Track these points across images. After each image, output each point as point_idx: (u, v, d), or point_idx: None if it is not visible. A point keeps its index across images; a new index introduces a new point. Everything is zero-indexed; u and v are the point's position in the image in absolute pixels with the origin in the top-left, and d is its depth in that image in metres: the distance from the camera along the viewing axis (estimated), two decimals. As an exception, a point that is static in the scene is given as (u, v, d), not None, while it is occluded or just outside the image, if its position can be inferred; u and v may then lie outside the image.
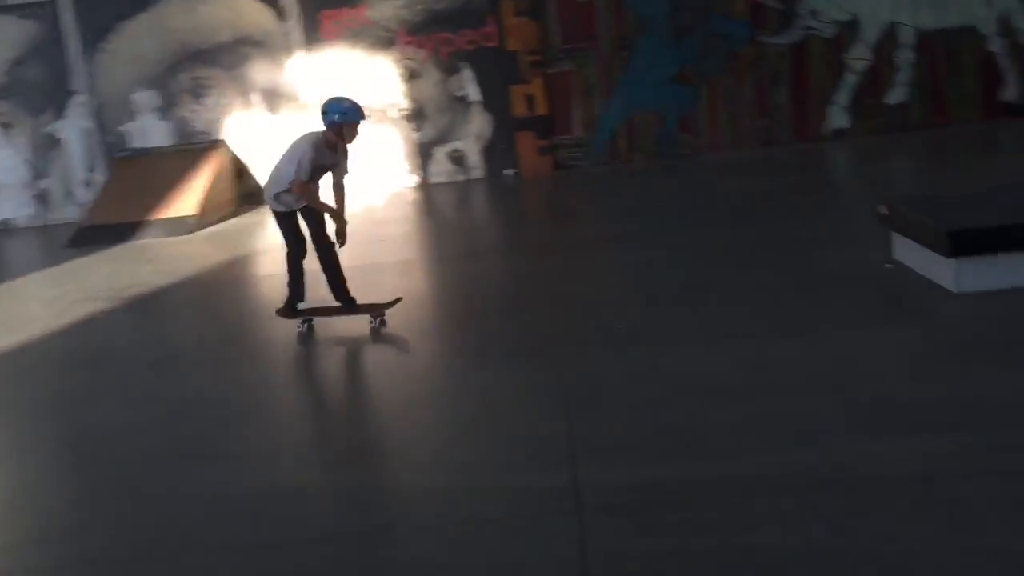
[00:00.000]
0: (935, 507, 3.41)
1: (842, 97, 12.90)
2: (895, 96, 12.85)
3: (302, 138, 6.29)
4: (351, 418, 5.29)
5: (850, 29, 12.73)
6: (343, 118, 6.12)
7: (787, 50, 12.83)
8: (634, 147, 13.24)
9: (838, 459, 3.87)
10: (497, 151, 13.37)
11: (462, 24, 13.07)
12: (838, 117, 12.94)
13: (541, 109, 13.12)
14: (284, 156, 6.33)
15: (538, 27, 12.97)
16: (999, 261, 5.67)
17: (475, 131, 13.41)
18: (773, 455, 3.98)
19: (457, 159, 13.54)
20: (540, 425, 4.60)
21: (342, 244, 6.44)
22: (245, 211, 12.63)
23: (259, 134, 13.32)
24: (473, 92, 13.26)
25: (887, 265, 6.55)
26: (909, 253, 6.40)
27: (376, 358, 6.35)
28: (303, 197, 6.22)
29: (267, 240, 11.00)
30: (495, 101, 13.21)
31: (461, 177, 13.53)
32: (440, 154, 13.55)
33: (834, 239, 7.54)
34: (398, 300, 6.63)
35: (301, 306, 6.60)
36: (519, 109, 13.15)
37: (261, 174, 13.55)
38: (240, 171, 13.22)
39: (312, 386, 6.10)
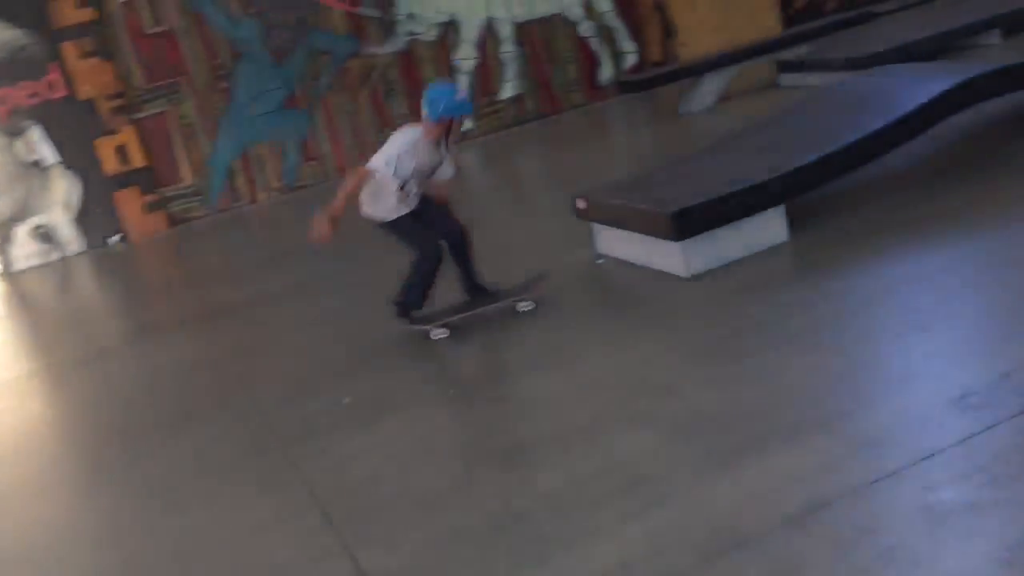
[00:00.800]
0: (857, 545, 2.81)
1: (458, 99, 12.60)
2: (507, 91, 12.82)
3: (400, 133, 5.14)
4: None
5: (451, 30, 12.46)
6: (455, 112, 5.02)
7: (395, 59, 12.25)
8: (256, 185, 11.91)
9: (708, 511, 3.16)
10: (94, 217, 11.32)
11: (16, 76, 10.80)
12: (459, 120, 12.63)
13: (139, 160, 11.29)
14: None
15: (114, 68, 11.13)
16: (720, 235, 5.40)
17: (61, 199, 11.23)
18: (629, 526, 3.18)
19: (45, 236, 11.27)
20: (317, 568, 3.40)
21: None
22: None
23: None
24: (48, 153, 11.08)
25: (598, 262, 6.10)
26: (619, 244, 5.98)
27: (43, 508, 4.60)
28: (342, 195, 4.99)
29: None
30: (79, 160, 11.15)
31: (55, 256, 11.29)
32: (21, 233, 11.20)
33: (530, 244, 6.97)
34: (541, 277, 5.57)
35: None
36: (111, 165, 11.22)
37: None
38: None
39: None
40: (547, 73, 12.94)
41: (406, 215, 5.19)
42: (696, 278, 5.35)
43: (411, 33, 12.29)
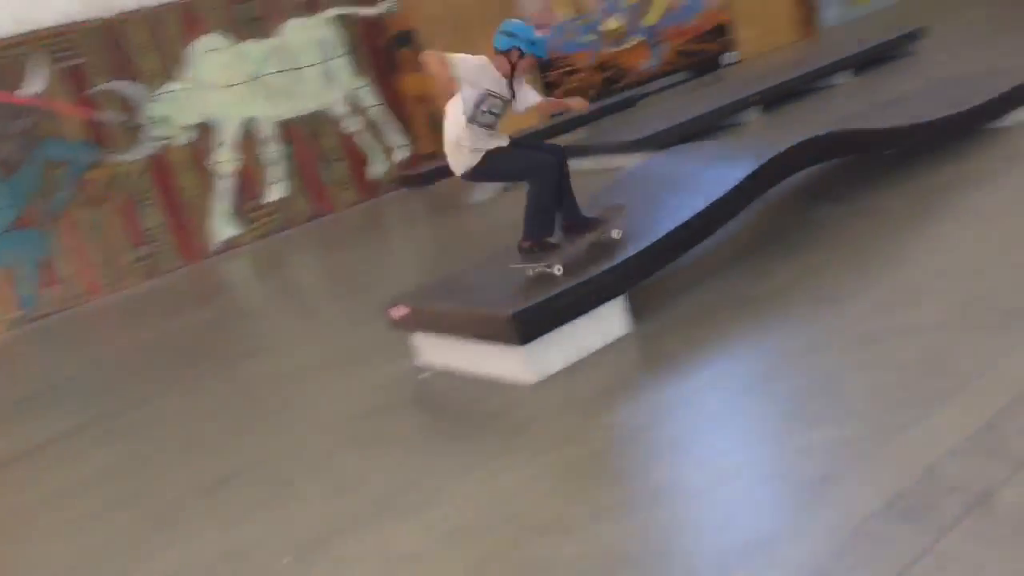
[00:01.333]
0: None
1: (221, 206, 11.61)
2: (275, 193, 11.98)
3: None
4: None
5: (206, 132, 11.51)
6: (531, 48, 4.96)
7: (145, 166, 11.10)
8: (-14, 319, 10.25)
9: None
10: None
11: None
12: (224, 227, 11.62)
13: None
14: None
15: None
16: (562, 334, 4.91)
17: None
18: None
19: None
20: None
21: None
22: None
23: None
24: None
25: (423, 375, 5.43)
26: (445, 353, 5.36)
27: None
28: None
29: None
30: None
31: None
32: None
33: (337, 362, 6.18)
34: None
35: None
36: None
37: None
38: None
39: None
40: (316, 172, 12.25)
41: (501, 146, 5.04)
42: (542, 384, 4.81)
43: (161, 137, 11.21)
